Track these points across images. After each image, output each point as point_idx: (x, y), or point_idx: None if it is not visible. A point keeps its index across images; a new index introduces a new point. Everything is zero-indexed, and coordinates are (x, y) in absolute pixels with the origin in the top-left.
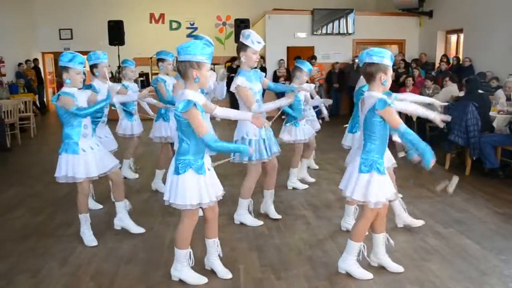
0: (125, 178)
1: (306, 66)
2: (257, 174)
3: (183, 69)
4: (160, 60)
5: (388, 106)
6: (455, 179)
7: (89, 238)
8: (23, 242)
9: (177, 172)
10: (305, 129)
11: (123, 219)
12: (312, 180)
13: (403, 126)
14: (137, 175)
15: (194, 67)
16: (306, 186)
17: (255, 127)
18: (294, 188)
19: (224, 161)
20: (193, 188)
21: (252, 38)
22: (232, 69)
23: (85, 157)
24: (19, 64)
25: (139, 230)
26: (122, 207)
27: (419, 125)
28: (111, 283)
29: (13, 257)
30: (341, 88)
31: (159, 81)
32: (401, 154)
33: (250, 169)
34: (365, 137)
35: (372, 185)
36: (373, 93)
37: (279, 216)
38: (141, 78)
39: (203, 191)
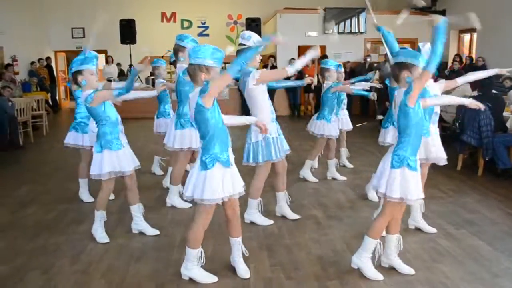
0: (153, 173)
1: (330, 64)
2: (266, 174)
3: (192, 72)
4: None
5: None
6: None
7: (101, 235)
8: (35, 239)
9: (204, 167)
10: (335, 126)
11: (138, 223)
12: (343, 178)
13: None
14: (163, 173)
15: (203, 70)
16: (316, 180)
17: (272, 124)
18: (304, 178)
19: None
20: (219, 182)
21: (254, 39)
22: None
23: (126, 151)
24: (32, 63)
25: (154, 232)
26: (136, 211)
27: None
28: (121, 281)
29: (25, 254)
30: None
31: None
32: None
33: (259, 169)
34: (399, 133)
35: (409, 181)
36: (404, 89)
37: (297, 216)
38: (153, 77)
39: (226, 184)
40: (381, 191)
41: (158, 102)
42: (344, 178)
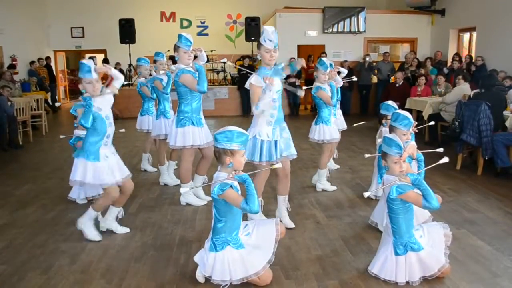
0: (145, 171)
1: (321, 65)
2: (265, 175)
3: (218, 154)
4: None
5: None
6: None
7: (94, 232)
8: (34, 239)
9: (214, 249)
10: (336, 129)
11: (110, 222)
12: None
13: None
14: (156, 169)
15: (228, 154)
16: (335, 187)
17: (268, 128)
18: (323, 190)
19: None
20: (236, 263)
21: (264, 35)
22: (243, 67)
23: (107, 163)
24: (32, 62)
25: (125, 230)
26: (115, 213)
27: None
28: (121, 281)
29: (25, 254)
30: (351, 87)
31: (156, 80)
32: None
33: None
34: None
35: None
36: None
37: (292, 225)
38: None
39: (247, 265)
40: None
41: (142, 100)
42: (337, 166)
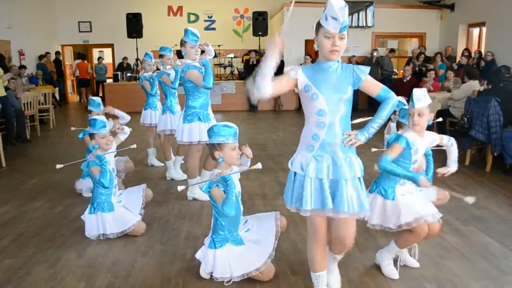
0: (151, 165)
1: None
2: (314, 230)
3: (210, 151)
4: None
5: None
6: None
7: None
8: (41, 232)
9: (214, 246)
10: None
11: None
12: None
13: None
14: (162, 164)
15: (216, 148)
16: None
17: (307, 155)
18: None
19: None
20: (236, 259)
21: (327, 11)
22: (249, 62)
23: (116, 212)
24: (42, 57)
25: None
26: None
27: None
28: (127, 275)
29: (32, 248)
30: None
31: (164, 74)
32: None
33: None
34: None
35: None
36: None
37: None
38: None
39: (247, 261)
40: None
41: (146, 95)
42: None
